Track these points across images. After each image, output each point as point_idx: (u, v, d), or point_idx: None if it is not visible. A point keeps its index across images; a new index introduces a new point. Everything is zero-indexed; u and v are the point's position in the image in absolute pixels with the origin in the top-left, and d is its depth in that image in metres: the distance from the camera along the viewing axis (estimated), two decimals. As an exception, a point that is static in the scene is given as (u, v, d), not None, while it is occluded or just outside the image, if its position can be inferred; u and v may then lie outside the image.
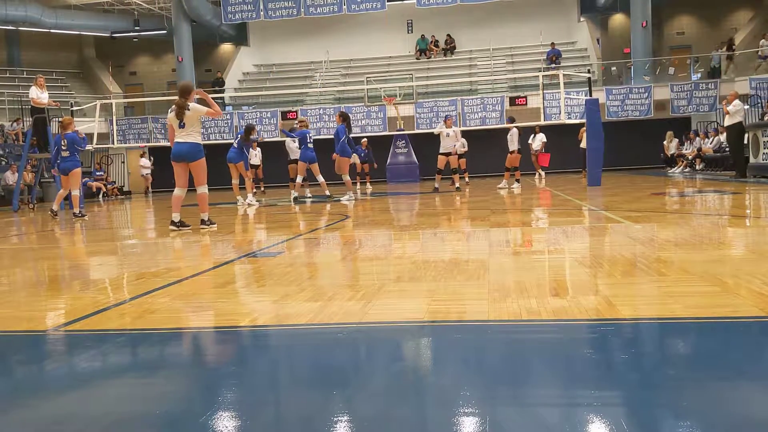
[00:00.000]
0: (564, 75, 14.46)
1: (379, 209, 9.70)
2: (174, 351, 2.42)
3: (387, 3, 24.45)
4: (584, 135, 17.50)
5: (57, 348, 2.47)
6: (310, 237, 6.10)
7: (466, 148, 16.69)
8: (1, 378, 2.12)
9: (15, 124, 19.88)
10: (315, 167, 12.43)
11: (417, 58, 27.57)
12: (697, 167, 18.40)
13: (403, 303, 2.82)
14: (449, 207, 9.34)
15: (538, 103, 17.22)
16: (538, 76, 17.39)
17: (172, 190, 7.48)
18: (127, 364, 2.21)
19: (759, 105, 17.46)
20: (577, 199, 9.31)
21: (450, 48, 27.69)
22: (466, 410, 1.56)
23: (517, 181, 14.28)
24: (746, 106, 16.01)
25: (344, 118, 12.29)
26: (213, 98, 7.73)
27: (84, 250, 6.11)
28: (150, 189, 23.61)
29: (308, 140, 12.40)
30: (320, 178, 12.51)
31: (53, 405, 1.80)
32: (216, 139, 21.75)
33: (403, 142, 21.31)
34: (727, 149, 15.29)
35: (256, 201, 12.56)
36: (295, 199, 12.38)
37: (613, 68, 24.05)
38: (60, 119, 11.52)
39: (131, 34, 28.79)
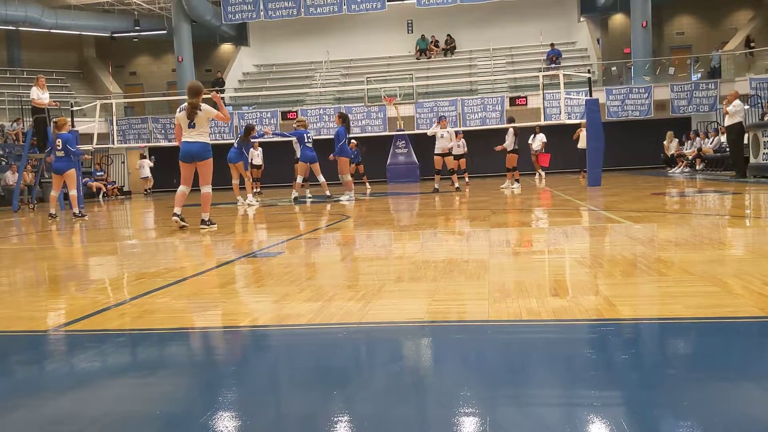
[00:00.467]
0: (564, 75, 14.46)
1: (379, 209, 9.70)
2: (174, 351, 2.42)
3: (387, 3, 24.45)
4: (581, 135, 17.53)
5: (57, 348, 2.47)
6: (310, 237, 6.10)
7: (465, 149, 16.68)
8: (1, 378, 2.12)
9: (15, 124, 19.88)
10: (316, 167, 12.42)
11: (417, 58, 27.57)
12: (697, 167, 18.40)
13: (403, 303, 2.81)
14: (449, 207, 9.34)
15: (538, 103, 17.23)
16: (538, 76, 17.39)
17: (173, 190, 7.49)
18: (126, 365, 2.21)
19: (759, 105, 17.46)
20: (577, 199, 9.31)
21: (450, 48, 27.69)
22: (467, 410, 1.56)
23: (517, 181, 14.25)
24: (746, 106, 16.01)
25: (344, 119, 12.28)
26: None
27: (84, 250, 6.11)
28: (150, 189, 23.60)
29: (305, 140, 12.38)
30: (321, 178, 12.50)
31: (53, 405, 1.80)
32: (216, 140, 21.72)
33: (403, 142, 21.32)
34: (727, 149, 15.29)
35: (256, 201, 12.55)
36: (295, 199, 12.38)
37: (613, 68, 24.06)
38: (55, 120, 11.53)
39: (131, 34, 28.79)
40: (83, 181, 16.32)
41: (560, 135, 19.47)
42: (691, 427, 1.39)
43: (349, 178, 12.43)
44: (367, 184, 18.03)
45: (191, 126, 7.14)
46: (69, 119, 12.57)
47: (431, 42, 27.78)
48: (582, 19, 26.89)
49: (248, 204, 11.93)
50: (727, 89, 18.90)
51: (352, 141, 17.66)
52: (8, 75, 27.04)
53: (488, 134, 19.67)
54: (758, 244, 4.37)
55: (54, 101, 14.87)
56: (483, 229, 5.95)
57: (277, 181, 22.22)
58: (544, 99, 15.65)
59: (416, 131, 20.22)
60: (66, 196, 11.03)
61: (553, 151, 19.37)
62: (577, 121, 17.05)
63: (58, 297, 3.50)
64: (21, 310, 3.11)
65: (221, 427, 1.55)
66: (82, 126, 16.19)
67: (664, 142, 21.15)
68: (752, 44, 22.87)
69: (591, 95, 13.46)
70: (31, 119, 15.20)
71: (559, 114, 16.10)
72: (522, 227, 6.18)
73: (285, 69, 28.30)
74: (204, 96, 7.28)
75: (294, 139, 12.73)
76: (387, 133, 21.16)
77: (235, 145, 12.36)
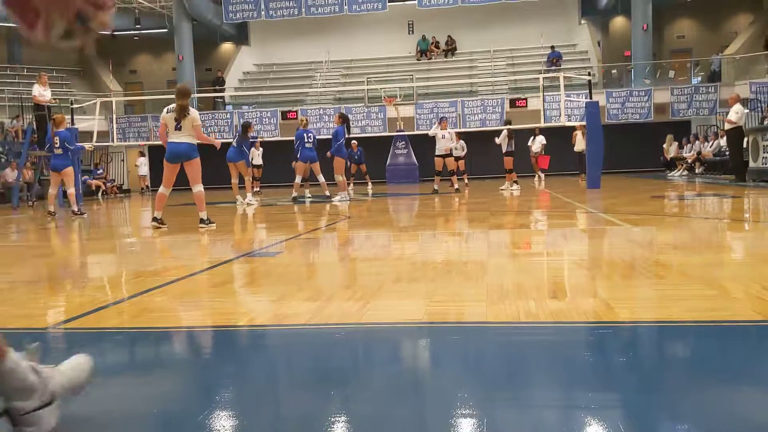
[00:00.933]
0: (564, 77, 14.47)
1: (378, 210, 9.70)
2: (172, 350, 2.42)
3: (388, 4, 24.46)
4: (577, 137, 17.54)
5: (55, 345, 2.47)
6: (309, 237, 6.10)
7: (465, 150, 16.68)
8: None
9: (15, 121, 19.88)
10: (316, 167, 12.41)
11: (418, 59, 27.58)
12: (697, 171, 18.41)
13: (401, 304, 2.81)
14: (448, 208, 9.34)
15: (538, 105, 17.23)
16: (538, 78, 17.39)
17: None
18: (124, 363, 2.21)
19: (759, 109, 17.48)
20: (576, 202, 9.31)
21: (451, 49, 27.70)
22: (464, 412, 1.56)
23: (516, 182, 14.21)
24: (746, 110, 16.02)
25: (344, 119, 12.27)
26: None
27: (83, 248, 6.11)
28: (149, 187, 23.60)
29: (305, 140, 12.32)
30: (321, 178, 12.49)
31: (50, 403, 1.79)
32: (215, 139, 21.72)
33: (403, 143, 21.31)
34: (727, 153, 15.30)
35: (255, 200, 12.54)
36: (294, 198, 12.36)
37: (614, 71, 24.08)
38: (53, 117, 11.53)
39: (132, 32, 28.78)
40: (82, 179, 16.32)
41: (560, 137, 19.48)
42: (689, 430, 1.40)
43: (341, 178, 12.39)
44: (370, 183, 18.04)
45: (178, 128, 7.14)
46: (67, 116, 12.56)
47: (432, 43, 27.79)
48: (583, 22, 26.91)
49: (248, 203, 11.91)
50: (727, 93, 18.93)
51: (353, 142, 17.68)
52: (8, 72, 27.02)
53: (488, 136, 19.68)
54: (757, 248, 4.37)
55: (53, 98, 14.87)
56: (482, 230, 5.95)
57: (277, 181, 22.21)
58: (544, 101, 15.65)
59: (416, 132, 20.22)
60: (65, 194, 11.02)
61: (552, 154, 19.38)
62: (572, 124, 17.06)
63: (56, 294, 3.49)
64: (19, 308, 3.10)
65: (218, 426, 1.54)
66: (82, 124, 16.18)
67: (664, 146, 21.17)
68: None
69: (591, 98, 13.47)
70: (31, 116, 15.20)
71: (559, 116, 16.12)
72: (521, 229, 6.18)
73: (285, 69, 28.30)
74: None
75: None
76: (387, 134, 21.15)
77: (234, 143, 12.33)
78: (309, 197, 13.40)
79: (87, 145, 14.21)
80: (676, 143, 20.83)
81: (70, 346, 2.42)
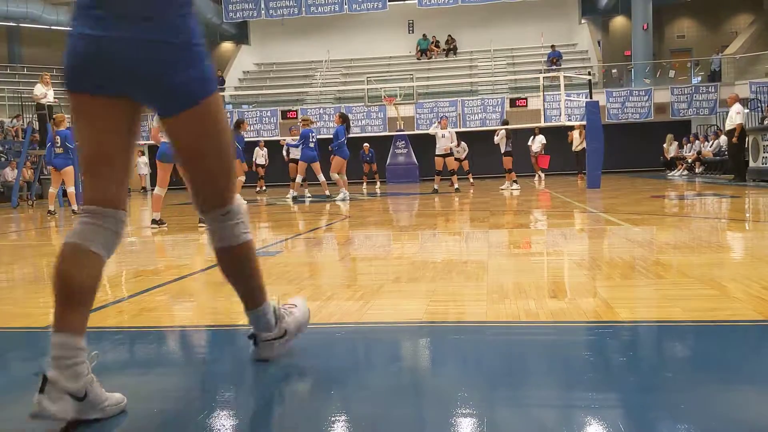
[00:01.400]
0: (564, 77, 14.46)
1: (378, 210, 9.70)
2: (171, 349, 2.42)
3: (388, 3, 24.46)
4: (575, 137, 17.54)
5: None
6: (309, 236, 6.10)
7: (467, 151, 16.67)
8: (-2, 375, 2.12)
9: (15, 120, 19.86)
10: (316, 166, 12.40)
11: (418, 59, 27.57)
12: (697, 170, 18.41)
13: (401, 303, 2.81)
14: (448, 208, 9.34)
15: (538, 104, 17.24)
16: (538, 77, 17.39)
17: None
18: (124, 362, 2.21)
19: (759, 109, 17.47)
20: (576, 201, 9.31)
21: (451, 49, 27.69)
22: (464, 411, 1.56)
23: (515, 182, 14.19)
24: (746, 110, 16.03)
25: (344, 119, 12.26)
26: None
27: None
28: (147, 188, 23.58)
29: (310, 139, 12.33)
30: (321, 178, 12.49)
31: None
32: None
33: (403, 142, 21.30)
34: (726, 153, 15.30)
35: (243, 201, 12.49)
36: (294, 198, 12.36)
37: (614, 70, 24.06)
38: (53, 116, 11.54)
39: (132, 31, 28.75)
40: (82, 178, 16.29)
41: (559, 137, 19.48)
42: (689, 430, 1.39)
43: (338, 177, 12.37)
44: (378, 183, 18.28)
45: None
46: (67, 116, 12.56)
47: (432, 42, 27.78)
48: (583, 21, 26.90)
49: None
50: (727, 93, 18.95)
51: (365, 144, 18.36)
52: (8, 71, 27.00)
53: (488, 135, 19.67)
54: (757, 248, 4.37)
55: (57, 98, 14.87)
56: (482, 230, 5.95)
57: (278, 180, 22.19)
58: (544, 100, 15.65)
59: (416, 131, 20.22)
60: (65, 193, 11.03)
61: (552, 153, 19.37)
62: (571, 123, 17.05)
63: (56, 294, 3.49)
64: (19, 307, 3.10)
65: (218, 425, 1.55)
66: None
67: (664, 145, 21.16)
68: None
69: (591, 97, 13.46)
70: (31, 116, 15.19)
71: (559, 116, 16.11)
72: (521, 229, 6.18)
73: (285, 68, 28.29)
74: None
75: (289, 139, 12.71)
76: (387, 134, 21.14)
77: None
78: (309, 197, 13.40)
79: None
80: (676, 143, 20.83)
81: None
